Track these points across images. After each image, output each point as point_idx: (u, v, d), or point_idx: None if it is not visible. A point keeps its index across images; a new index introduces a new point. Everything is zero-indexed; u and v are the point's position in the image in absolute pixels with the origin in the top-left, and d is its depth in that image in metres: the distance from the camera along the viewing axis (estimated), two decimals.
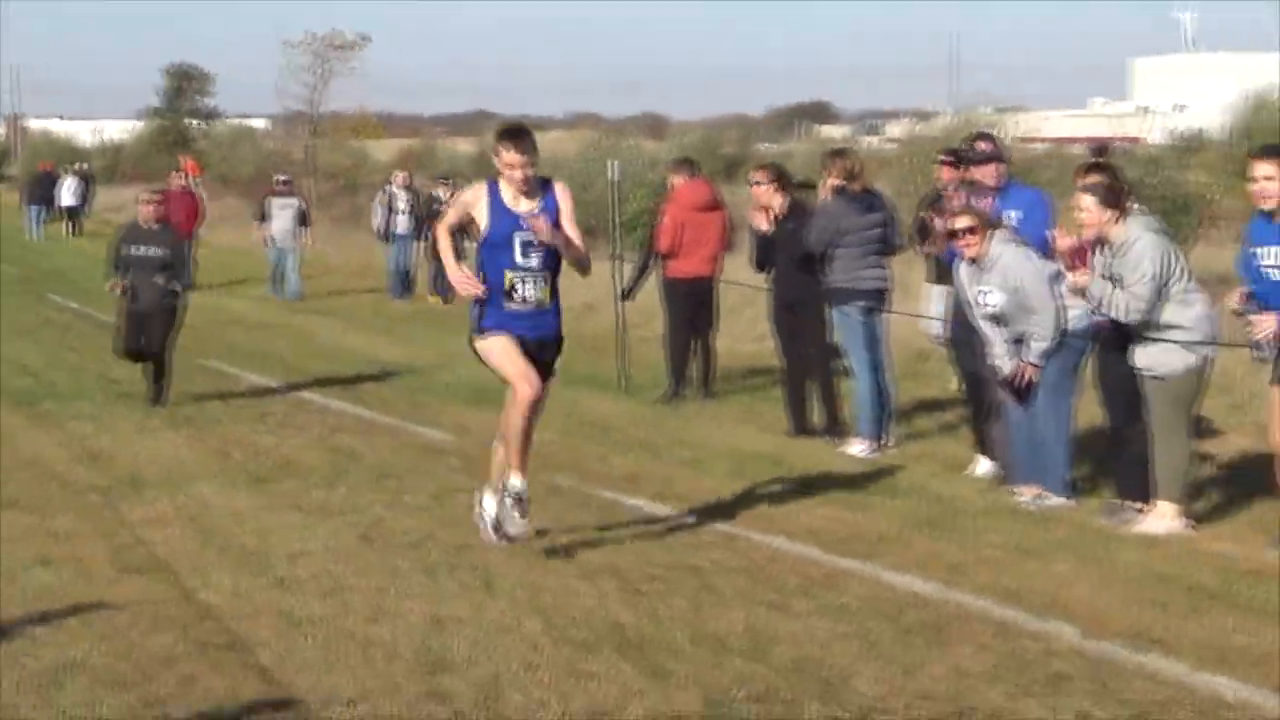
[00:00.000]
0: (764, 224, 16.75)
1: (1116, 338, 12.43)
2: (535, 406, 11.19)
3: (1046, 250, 13.34)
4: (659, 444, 16.25)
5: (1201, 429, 14.65)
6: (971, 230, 13.34)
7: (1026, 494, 13.27)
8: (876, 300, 15.99)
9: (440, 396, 19.44)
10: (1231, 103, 50.08)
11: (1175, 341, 12.10)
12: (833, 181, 16.08)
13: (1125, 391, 12.56)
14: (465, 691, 8.33)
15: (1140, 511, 12.45)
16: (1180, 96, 75.32)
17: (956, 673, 8.64)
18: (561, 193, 11.49)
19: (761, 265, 17.13)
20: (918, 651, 9.07)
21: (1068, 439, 13.34)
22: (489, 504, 11.60)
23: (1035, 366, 13.13)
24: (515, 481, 11.23)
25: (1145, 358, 12.25)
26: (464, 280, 11.23)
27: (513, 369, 11.20)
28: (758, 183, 17.07)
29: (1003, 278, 13.20)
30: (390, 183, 35.39)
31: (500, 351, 11.25)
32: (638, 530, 12.19)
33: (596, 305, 24.67)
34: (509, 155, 11.27)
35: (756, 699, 8.20)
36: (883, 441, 15.89)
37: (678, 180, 19.75)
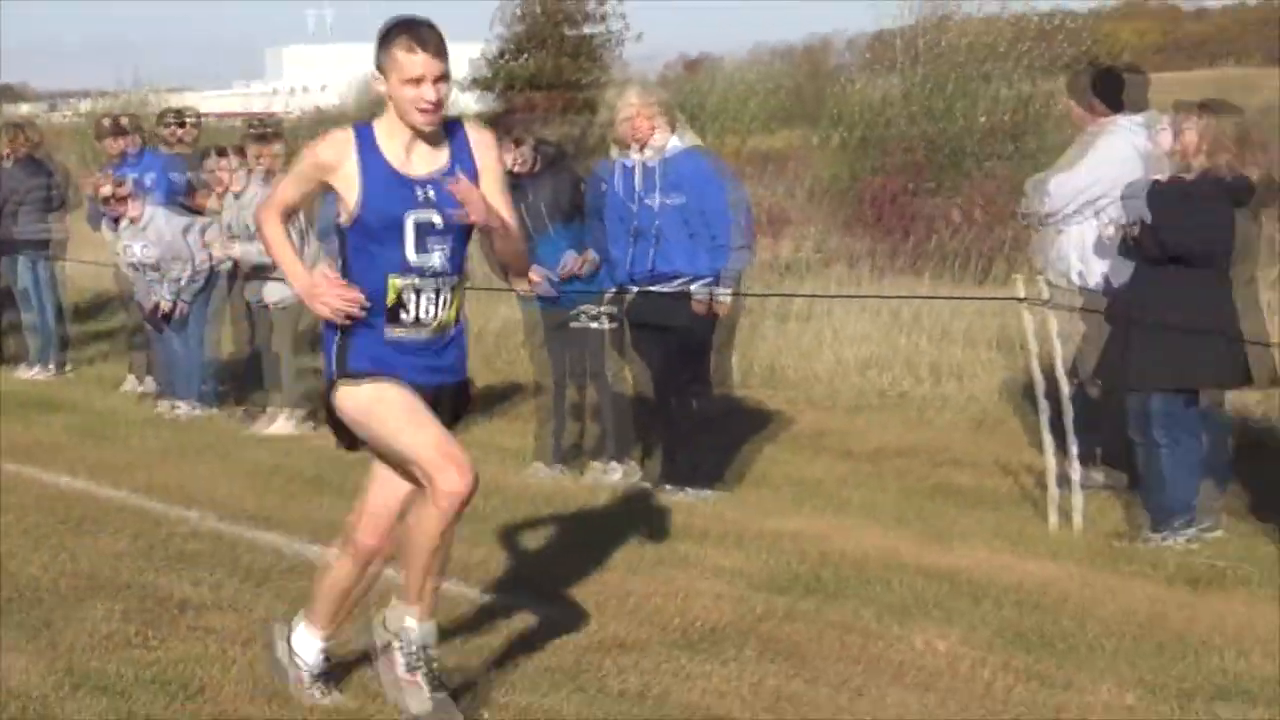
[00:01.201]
0: None
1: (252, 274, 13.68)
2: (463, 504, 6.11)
3: (179, 203, 14.87)
4: None
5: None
6: (118, 199, 14.45)
7: (175, 406, 14.40)
8: (44, 249, 16.93)
9: None
10: (353, 83, 55.61)
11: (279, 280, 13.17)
12: (7, 150, 16.98)
13: (253, 320, 14.02)
14: None
15: (261, 413, 13.83)
16: (322, 78, 78.38)
17: (112, 555, 9.13)
18: (480, 142, 6.33)
19: None
20: (79, 539, 9.52)
21: (205, 360, 14.50)
22: (303, 641, 6.69)
23: (184, 302, 14.35)
24: (416, 626, 6.28)
25: (270, 294, 13.53)
26: (332, 293, 6.16)
27: (424, 441, 6.09)
28: None
29: (150, 234, 14.35)
30: None
31: (392, 410, 6.15)
32: None
33: None
34: (413, 60, 5.99)
35: None
36: (59, 365, 16.92)
37: None
